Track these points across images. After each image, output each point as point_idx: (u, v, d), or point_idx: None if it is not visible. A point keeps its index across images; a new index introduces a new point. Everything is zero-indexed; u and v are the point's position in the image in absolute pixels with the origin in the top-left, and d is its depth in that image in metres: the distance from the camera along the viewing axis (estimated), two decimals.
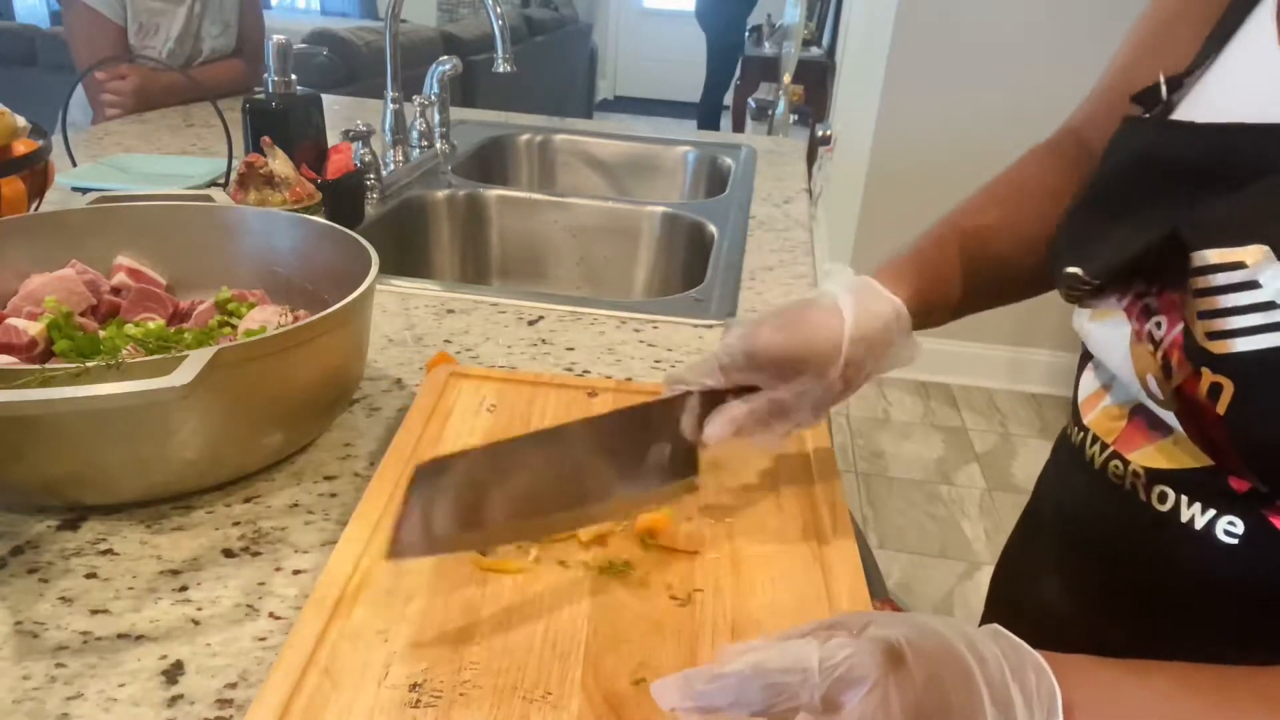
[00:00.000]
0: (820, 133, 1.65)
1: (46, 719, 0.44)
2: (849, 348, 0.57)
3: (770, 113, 4.49)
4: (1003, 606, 0.74)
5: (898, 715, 0.37)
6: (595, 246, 1.37)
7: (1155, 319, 0.51)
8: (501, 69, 1.26)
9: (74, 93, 1.30)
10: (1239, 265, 0.45)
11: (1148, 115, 0.57)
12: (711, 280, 1.06)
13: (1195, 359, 0.47)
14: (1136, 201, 0.53)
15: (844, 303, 0.58)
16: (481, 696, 0.45)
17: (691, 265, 1.28)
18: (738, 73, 5.39)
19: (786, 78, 4.37)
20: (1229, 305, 0.45)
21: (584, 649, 0.48)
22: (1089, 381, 0.61)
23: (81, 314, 0.71)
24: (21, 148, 0.93)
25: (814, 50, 5.22)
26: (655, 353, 0.87)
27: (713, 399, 0.57)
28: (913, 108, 2.70)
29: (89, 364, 0.53)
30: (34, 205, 0.96)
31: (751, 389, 0.58)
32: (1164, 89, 0.55)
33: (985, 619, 0.76)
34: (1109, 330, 0.55)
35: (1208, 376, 0.46)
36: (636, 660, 0.48)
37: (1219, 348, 0.45)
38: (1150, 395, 0.52)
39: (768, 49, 5.29)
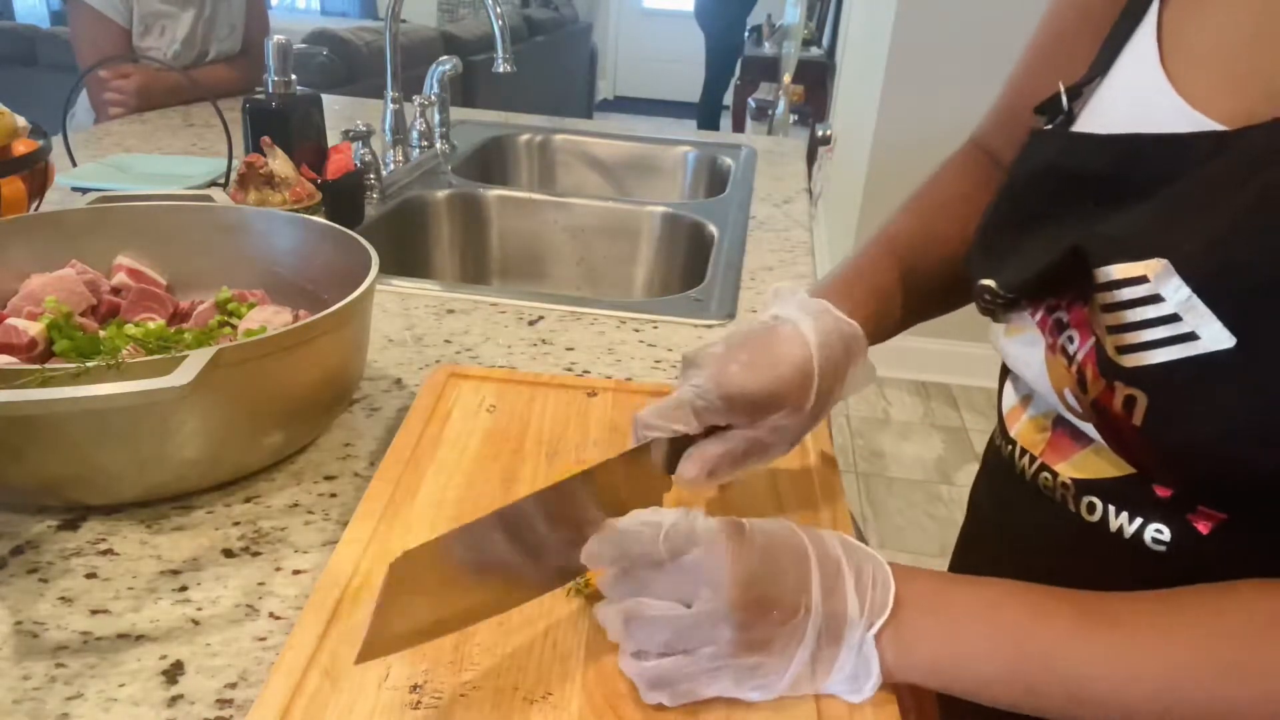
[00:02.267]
0: (820, 133, 1.65)
1: (46, 719, 0.44)
2: (819, 381, 0.55)
3: (770, 113, 4.49)
4: None
5: (728, 568, 0.44)
6: (595, 246, 1.37)
7: (1067, 333, 0.52)
8: (501, 69, 1.26)
9: (80, 93, 1.30)
10: (1141, 280, 0.45)
11: (1051, 126, 0.57)
12: (711, 280, 1.06)
13: (1108, 373, 0.47)
14: (1044, 213, 0.53)
15: (806, 329, 0.56)
16: (482, 697, 0.45)
17: (691, 265, 1.28)
18: (737, 73, 5.39)
19: (786, 78, 4.38)
20: (1135, 319, 0.46)
21: (584, 649, 0.48)
22: (1010, 395, 0.62)
23: (81, 314, 0.71)
24: (21, 148, 0.93)
25: (814, 50, 5.23)
26: (655, 353, 0.87)
27: (680, 440, 0.55)
28: (913, 108, 2.70)
29: (89, 364, 0.53)
30: (34, 205, 0.96)
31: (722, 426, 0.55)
32: (1064, 99, 0.56)
33: None
34: (1023, 345, 0.56)
35: (1121, 390, 0.47)
36: None
37: (1130, 361, 0.46)
38: (1069, 408, 0.52)
39: (768, 49, 5.29)
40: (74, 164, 1.27)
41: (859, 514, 2.25)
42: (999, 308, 0.56)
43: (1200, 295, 0.43)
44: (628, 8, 7.22)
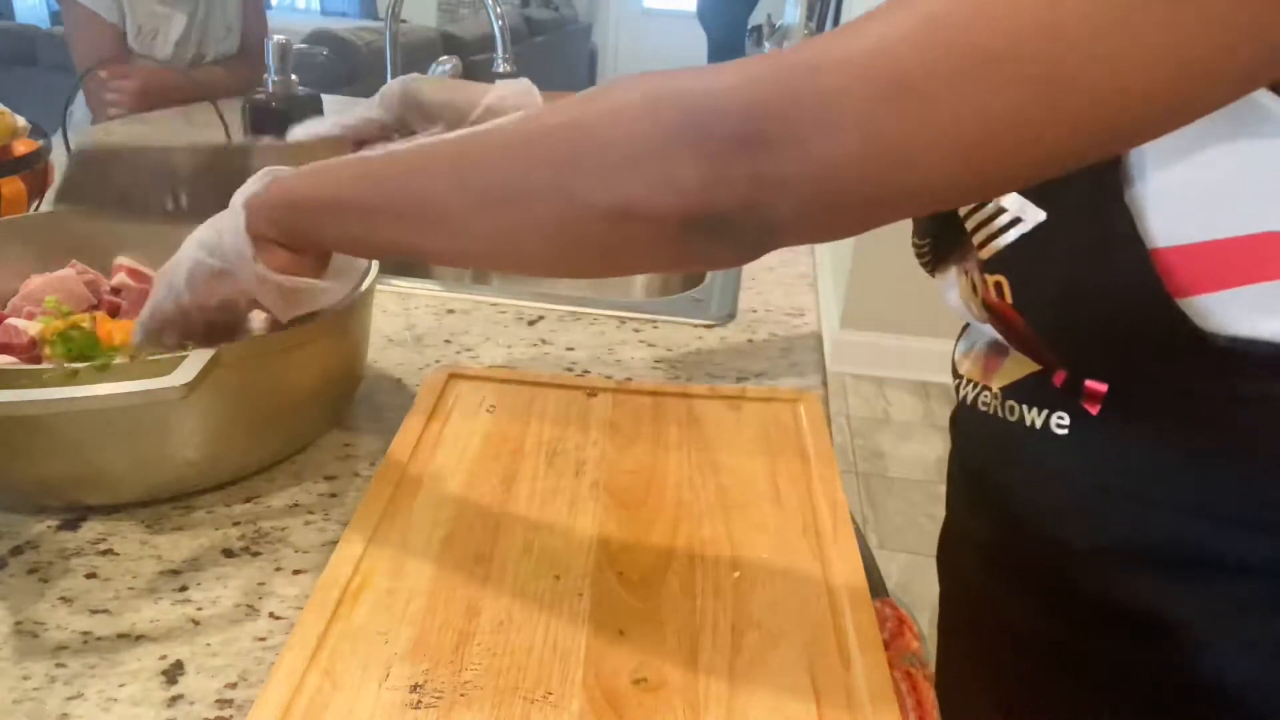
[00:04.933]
0: None
1: (46, 719, 0.44)
2: (489, 98, 0.67)
3: None
4: (946, 575, 0.79)
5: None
6: None
7: (966, 261, 0.63)
8: (501, 69, 1.26)
9: (68, 102, 1.31)
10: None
11: None
12: (711, 280, 1.06)
13: (983, 270, 0.58)
14: None
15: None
16: (482, 697, 0.45)
17: None
18: None
19: None
20: (984, 218, 0.56)
21: (584, 648, 0.48)
22: (960, 343, 0.71)
23: (81, 314, 0.71)
24: (21, 148, 0.93)
25: None
26: (655, 353, 0.87)
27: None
28: None
29: (88, 364, 0.53)
30: (34, 205, 0.96)
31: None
32: None
33: (942, 596, 0.78)
34: (949, 285, 0.66)
35: (991, 279, 0.57)
36: (637, 660, 0.48)
37: (988, 253, 0.56)
38: (976, 317, 0.63)
39: (768, 49, 5.29)
40: None
41: (859, 514, 2.25)
42: (931, 262, 0.68)
43: (1020, 192, 0.54)
44: (628, 8, 7.22)
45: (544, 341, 0.88)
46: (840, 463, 2.16)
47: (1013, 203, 0.54)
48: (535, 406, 0.71)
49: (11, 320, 0.67)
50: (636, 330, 0.92)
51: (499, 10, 1.23)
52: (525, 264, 0.48)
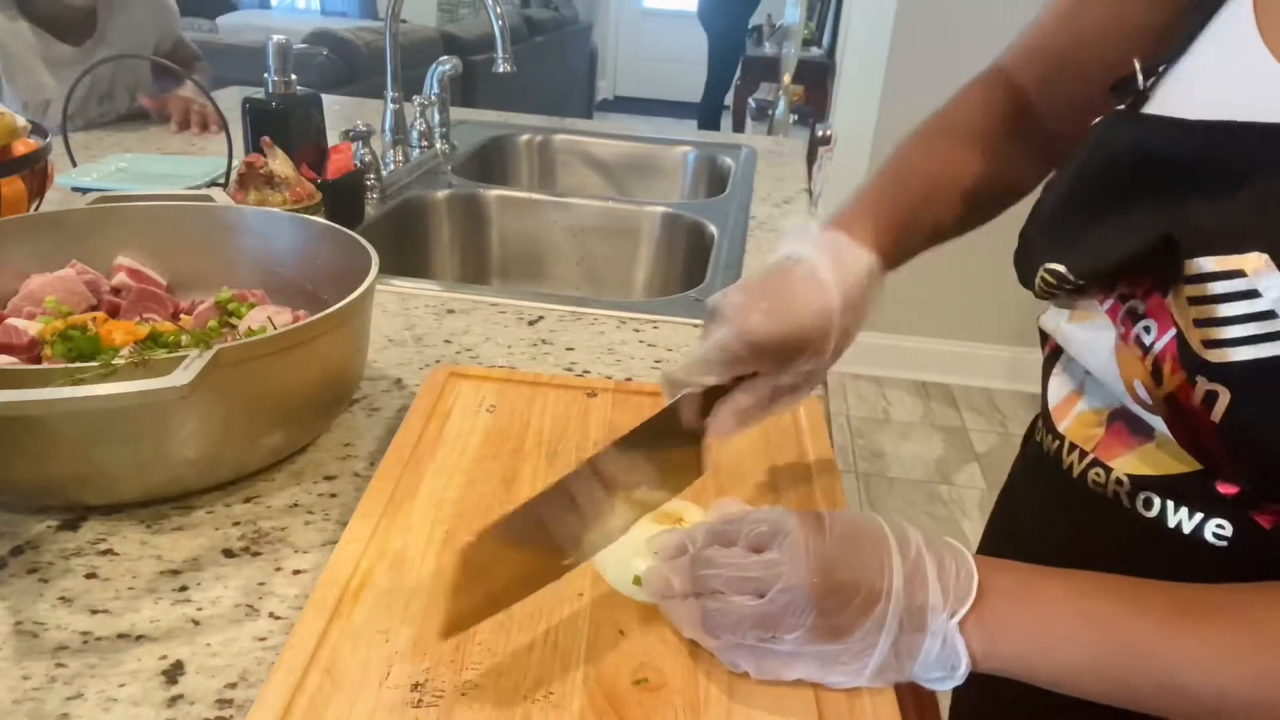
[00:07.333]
0: (820, 133, 1.65)
1: (46, 719, 0.44)
2: (840, 320, 0.55)
3: (770, 113, 4.49)
4: None
5: (806, 558, 0.45)
6: (595, 246, 1.37)
7: (1143, 323, 0.50)
8: (501, 69, 1.26)
9: (70, 95, 1.30)
10: (1237, 274, 0.44)
11: (1123, 108, 0.54)
12: (711, 280, 1.06)
13: (1190, 367, 0.46)
14: (1124, 199, 0.51)
15: (824, 271, 0.55)
16: (483, 696, 0.45)
17: (691, 265, 1.28)
18: (738, 73, 5.39)
19: (786, 78, 4.37)
20: (1227, 314, 0.44)
21: (585, 648, 0.48)
22: (1059, 386, 0.60)
23: (81, 314, 0.71)
24: (21, 148, 0.93)
25: (814, 50, 5.22)
26: (655, 353, 0.87)
27: (712, 391, 0.55)
28: (913, 108, 2.69)
29: (89, 364, 0.53)
30: (34, 205, 0.96)
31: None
32: (1140, 78, 0.54)
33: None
34: (1091, 333, 0.54)
35: (1203, 384, 0.45)
36: (637, 660, 0.48)
37: (1216, 356, 0.44)
38: (1138, 401, 0.51)
39: (768, 49, 5.29)
40: (74, 164, 1.27)
41: None
42: (1064, 294, 0.54)
43: None
44: (628, 8, 7.22)
45: (544, 341, 0.88)
46: (840, 463, 2.18)
47: None
48: (535, 406, 0.71)
49: (11, 320, 0.67)
50: (636, 330, 0.92)
51: (499, 10, 1.23)
52: None
